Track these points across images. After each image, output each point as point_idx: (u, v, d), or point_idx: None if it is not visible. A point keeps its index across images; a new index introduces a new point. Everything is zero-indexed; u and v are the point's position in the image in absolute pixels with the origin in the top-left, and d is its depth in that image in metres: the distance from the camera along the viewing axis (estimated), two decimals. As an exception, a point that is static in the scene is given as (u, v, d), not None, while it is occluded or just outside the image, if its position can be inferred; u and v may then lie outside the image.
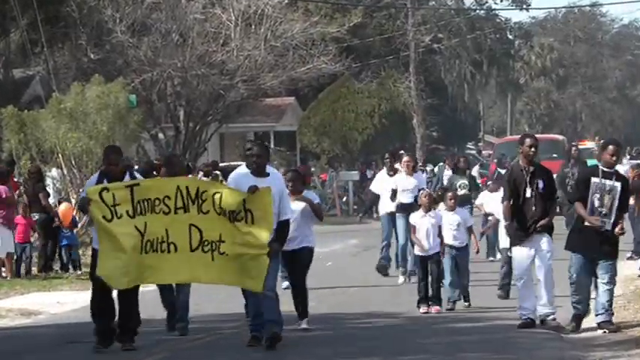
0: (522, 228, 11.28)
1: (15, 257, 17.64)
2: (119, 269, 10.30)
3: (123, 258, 10.30)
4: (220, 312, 12.90)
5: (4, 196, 17.35)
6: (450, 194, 13.81)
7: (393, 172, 16.85)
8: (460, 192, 16.84)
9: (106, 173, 10.85)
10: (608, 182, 11.08)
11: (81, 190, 15.50)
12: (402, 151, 17.72)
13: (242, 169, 11.09)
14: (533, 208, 11.23)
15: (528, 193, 11.23)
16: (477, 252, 14.07)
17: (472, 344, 10.49)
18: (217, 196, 10.36)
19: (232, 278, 10.53)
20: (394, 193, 16.06)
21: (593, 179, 11.06)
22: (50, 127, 25.19)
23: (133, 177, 10.91)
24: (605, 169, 11.15)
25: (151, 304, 11.58)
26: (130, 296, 10.59)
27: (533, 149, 11.45)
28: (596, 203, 11.02)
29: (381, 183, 17.14)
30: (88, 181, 11.61)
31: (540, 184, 11.30)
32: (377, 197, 17.68)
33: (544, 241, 11.33)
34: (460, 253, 13.25)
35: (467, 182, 18.46)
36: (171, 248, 10.40)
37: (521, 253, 11.35)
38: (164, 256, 10.39)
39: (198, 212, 10.39)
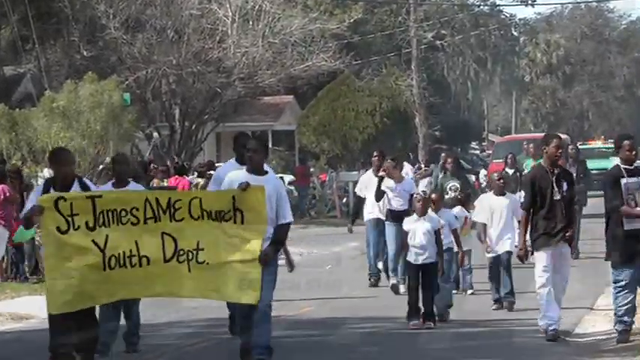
0: (549, 234, 10.94)
1: (12, 260, 17.65)
2: (70, 289, 9.39)
3: (76, 276, 9.40)
4: (218, 316, 12.89)
5: (7, 195, 17.32)
6: (434, 195, 13.59)
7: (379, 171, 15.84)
8: (450, 195, 15.93)
9: (53, 181, 9.95)
10: (634, 180, 10.72)
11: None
12: (375, 154, 16.65)
13: (234, 165, 10.68)
14: (561, 213, 10.94)
15: (557, 196, 10.93)
16: (462, 264, 13.61)
17: (476, 349, 10.50)
18: (195, 201, 9.64)
19: (218, 292, 9.74)
20: (379, 189, 15.39)
21: (622, 180, 10.68)
22: (42, 126, 25.22)
23: (83, 185, 9.98)
24: (627, 167, 10.79)
25: (148, 309, 11.59)
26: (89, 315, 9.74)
27: (559, 151, 11.23)
28: (632, 204, 10.64)
29: (367, 185, 16.21)
30: (32, 193, 10.48)
31: (565, 187, 11.04)
32: (362, 201, 16.58)
33: (567, 255, 11.18)
34: (444, 257, 12.60)
35: (457, 185, 17.25)
36: (143, 262, 9.52)
37: (544, 261, 10.95)
38: (135, 270, 9.52)
39: (171, 220, 9.58)
